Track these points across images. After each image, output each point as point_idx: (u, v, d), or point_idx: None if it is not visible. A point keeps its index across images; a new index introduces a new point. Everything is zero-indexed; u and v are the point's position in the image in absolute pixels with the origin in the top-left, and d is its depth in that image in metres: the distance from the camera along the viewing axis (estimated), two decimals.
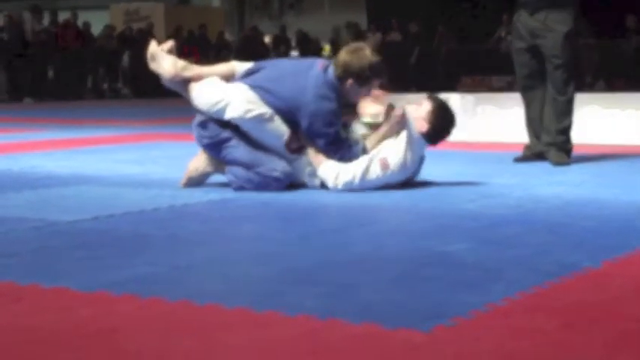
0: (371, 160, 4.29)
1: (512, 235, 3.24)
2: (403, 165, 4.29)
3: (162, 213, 3.81)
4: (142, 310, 2.27)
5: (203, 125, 4.40)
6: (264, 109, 4.30)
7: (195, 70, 4.50)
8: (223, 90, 4.38)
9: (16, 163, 5.80)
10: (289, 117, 4.33)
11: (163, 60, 4.47)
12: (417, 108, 4.37)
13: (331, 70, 4.37)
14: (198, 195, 4.26)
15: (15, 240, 3.25)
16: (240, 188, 4.34)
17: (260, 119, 4.30)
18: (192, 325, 2.12)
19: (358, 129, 4.47)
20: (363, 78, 4.36)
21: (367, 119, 4.48)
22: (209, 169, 4.49)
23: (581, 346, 1.94)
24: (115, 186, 4.66)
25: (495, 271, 2.65)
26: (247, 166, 4.34)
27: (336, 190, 4.26)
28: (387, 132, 4.38)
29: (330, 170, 4.30)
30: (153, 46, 4.53)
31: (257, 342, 2.00)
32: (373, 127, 4.44)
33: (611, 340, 1.98)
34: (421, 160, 4.40)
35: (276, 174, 4.30)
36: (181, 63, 4.48)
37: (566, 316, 2.15)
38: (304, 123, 4.30)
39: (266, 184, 4.30)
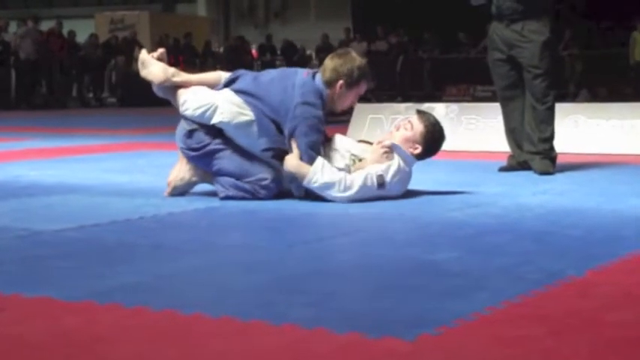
0: (367, 175, 4.21)
1: (497, 243, 3.24)
2: (395, 184, 4.26)
3: (147, 222, 3.80)
4: (126, 320, 2.26)
5: (189, 135, 4.40)
6: (250, 115, 4.32)
7: (184, 76, 4.55)
8: (211, 95, 4.41)
9: (0, 172, 5.77)
10: (274, 119, 4.32)
11: (153, 66, 4.53)
12: (408, 127, 4.34)
13: (318, 77, 4.38)
14: (184, 204, 4.25)
15: None
16: (227, 198, 4.33)
17: (246, 124, 4.31)
18: (178, 335, 2.12)
19: (338, 159, 4.31)
20: (353, 80, 4.37)
21: (355, 151, 4.35)
22: (195, 178, 4.49)
23: (566, 354, 1.95)
24: (101, 195, 4.65)
25: (481, 279, 2.65)
26: (236, 177, 4.34)
27: (336, 198, 4.16)
28: (372, 161, 4.29)
29: (334, 175, 4.17)
30: (143, 54, 4.62)
31: (242, 351, 2.00)
32: (358, 161, 4.32)
33: (596, 348, 1.99)
34: (409, 177, 4.39)
35: (264, 182, 4.31)
36: (171, 70, 4.53)
37: (551, 325, 2.16)
38: (289, 126, 4.28)
39: (255, 191, 4.31)
